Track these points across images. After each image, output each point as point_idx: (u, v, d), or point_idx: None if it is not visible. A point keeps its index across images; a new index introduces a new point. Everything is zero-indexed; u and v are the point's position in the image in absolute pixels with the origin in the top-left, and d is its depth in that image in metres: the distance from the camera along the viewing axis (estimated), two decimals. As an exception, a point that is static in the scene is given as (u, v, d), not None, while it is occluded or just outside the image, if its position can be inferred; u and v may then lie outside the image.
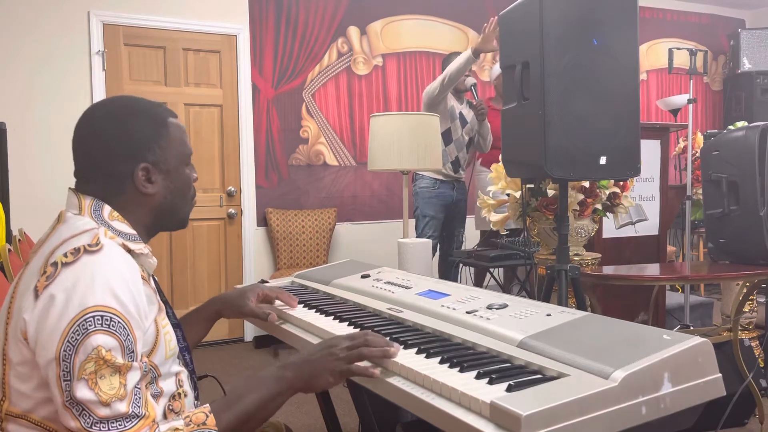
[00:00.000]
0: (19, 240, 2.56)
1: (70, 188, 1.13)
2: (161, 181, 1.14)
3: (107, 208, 1.09)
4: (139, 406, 0.95)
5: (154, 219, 1.16)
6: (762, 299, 3.49)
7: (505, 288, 4.14)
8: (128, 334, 0.96)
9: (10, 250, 2.05)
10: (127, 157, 1.10)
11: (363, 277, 1.77)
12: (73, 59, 4.00)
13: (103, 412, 0.91)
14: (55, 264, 0.97)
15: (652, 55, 6.05)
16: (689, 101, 3.85)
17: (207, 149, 4.40)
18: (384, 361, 1.12)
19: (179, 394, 1.13)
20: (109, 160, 1.10)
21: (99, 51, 4.05)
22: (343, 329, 1.37)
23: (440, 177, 3.90)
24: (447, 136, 3.85)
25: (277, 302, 1.59)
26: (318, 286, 1.82)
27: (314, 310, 1.55)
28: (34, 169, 3.88)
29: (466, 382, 0.97)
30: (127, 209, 1.12)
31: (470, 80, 3.82)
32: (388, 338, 1.21)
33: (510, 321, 1.21)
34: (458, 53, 4.03)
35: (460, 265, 3.73)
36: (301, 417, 3.03)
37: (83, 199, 1.09)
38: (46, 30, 3.94)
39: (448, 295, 1.46)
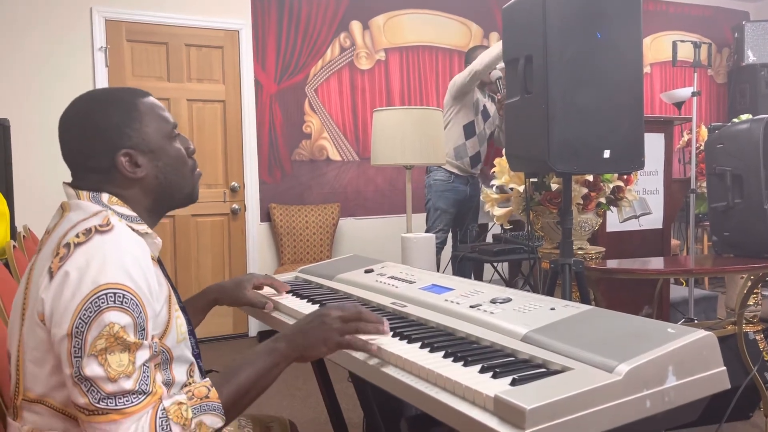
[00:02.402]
0: (24, 236, 2.57)
1: (64, 183, 1.14)
2: (148, 162, 1.13)
3: (105, 195, 1.10)
4: (146, 384, 0.96)
5: (154, 200, 1.17)
6: (767, 292, 3.48)
7: (509, 282, 4.13)
8: (141, 312, 0.97)
9: (14, 246, 2.06)
10: (104, 149, 1.10)
11: (366, 271, 1.78)
12: (75, 55, 4.01)
13: (111, 387, 0.93)
14: (67, 245, 0.99)
15: (656, 47, 6.03)
16: (693, 94, 3.84)
17: (210, 145, 4.40)
18: (388, 355, 1.12)
19: (189, 383, 1.14)
20: (90, 157, 1.11)
21: (102, 47, 4.05)
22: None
23: (455, 171, 3.80)
24: (470, 129, 3.77)
25: (269, 289, 1.64)
26: (322, 281, 1.83)
27: (318, 305, 1.55)
28: (38, 166, 3.89)
29: (470, 375, 0.97)
30: (125, 196, 1.13)
31: (496, 73, 3.70)
32: (391, 333, 1.21)
33: (514, 315, 1.21)
34: (482, 47, 3.96)
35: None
36: (305, 411, 3.04)
37: (80, 192, 1.10)
38: (49, 26, 3.95)
39: (452, 289, 1.46)
